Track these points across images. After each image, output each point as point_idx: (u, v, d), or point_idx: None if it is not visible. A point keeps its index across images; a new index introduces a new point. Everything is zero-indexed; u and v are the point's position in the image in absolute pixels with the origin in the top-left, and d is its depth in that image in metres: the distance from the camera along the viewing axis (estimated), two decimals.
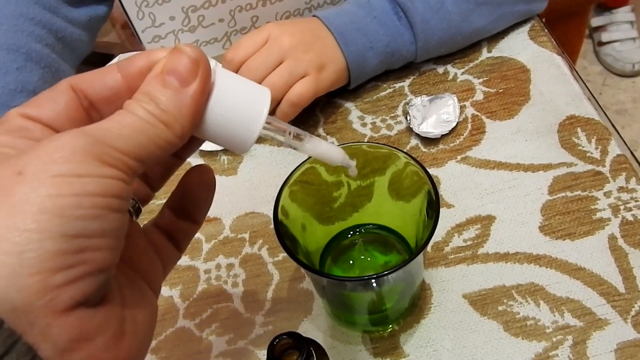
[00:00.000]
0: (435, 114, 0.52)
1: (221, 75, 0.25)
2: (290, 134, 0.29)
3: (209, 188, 0.29)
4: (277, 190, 0.37)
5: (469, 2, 0.54)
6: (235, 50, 0.52)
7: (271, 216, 0.50)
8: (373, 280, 0.35)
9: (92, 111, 0.24)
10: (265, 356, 0.33)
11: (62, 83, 0.24)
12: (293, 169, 0.38)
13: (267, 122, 0.26)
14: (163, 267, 0.28)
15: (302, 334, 0.34)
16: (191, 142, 0.26)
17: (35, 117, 0.23)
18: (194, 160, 0.56)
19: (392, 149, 0.38)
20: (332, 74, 0.53)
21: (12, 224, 0.18)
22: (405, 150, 0.38)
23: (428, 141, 0.52)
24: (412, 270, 0.37)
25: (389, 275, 0.33)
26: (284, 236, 0.36)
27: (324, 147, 0.30)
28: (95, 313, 0.20)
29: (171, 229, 0.29)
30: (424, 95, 0.54)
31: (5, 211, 0.19)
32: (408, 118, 0.53)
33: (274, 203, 0.36)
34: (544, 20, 0.60)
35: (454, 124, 0.52)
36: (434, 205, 0.35)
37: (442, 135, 0.52)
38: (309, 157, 0.39)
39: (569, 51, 1.27)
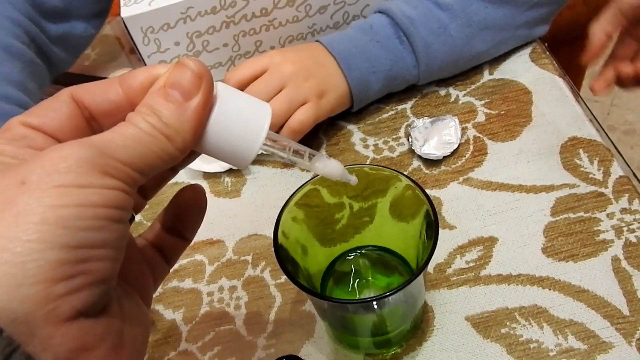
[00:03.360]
0: (437, 136, 0.53)
1: (223, 90, 0.25)
2: (290, 149, 0.29)
3: (200, 209, 0.30)
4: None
5: (471, 27, 0.54)
6: (233, 72, 0.53)
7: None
8: (374, 302, 0.35)
9: (92, 122, 0.25)
10: None
11: (63, 93, 0.24)
12: (294, 191, 0.39)
13: (267, 138, 0.26)
14: (154, 281, 0.28)
15: (304, 357, 0.34)
16: (188, 155, 0.26)
17: (38, 126, 0.23)
18: (197, 182, 0.56)
19: (392, 171, 0.39)
20: (333, 100, 0.53)
21: (14, 235, 0.19)
22: (405, 173, 0.38)
23: (430, 163, 0.52)
24: (413, 291, 0.37)
25: (390, 297, 0.33)
26: (285, 260, 0.36)
27: (324, 162, 0.30)
28: (95, 323, 0.21)
29: (161, 244, 0.29)
30: (426, 117, 0.55)
31: (8, 221, 0.19)
32: (410, 140, 0.53)
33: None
34: (546, 44, 0.61)
35: (455, 146, 0.52)
36: (433, 226, 0.35)
37: (444, 157, 0.52)
38: (309, 180, 0.40)
39: (575, 74, 1.28)
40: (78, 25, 0.60)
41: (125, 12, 0.57)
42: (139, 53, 0.61)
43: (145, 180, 0.22)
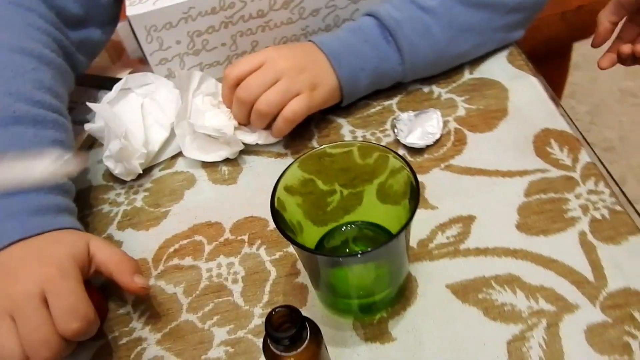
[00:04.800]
0: (420, 127, 0.57)
1: None
2: None
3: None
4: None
5: (453, 29, 0.59)
6: (232, 68, 0.57)
7: (269, 219, 0.54)
8: (360, 255, 0.39)
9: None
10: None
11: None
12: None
13: None
14: None
15: (313, 320, 0.37)
16: None
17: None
18: (196, 171, 0.60)
19: (382, 147, 0.43)
20: (324, 93, 0.58)
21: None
22: (389, 148, 0.42)
23: (414, 151, 0.57)
24: (397, 251, 0.41)
25: (377, 251, 0.37)
26: (281, 221, 0.40)
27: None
28: None
29: None
30: (411, 111, 0.59)
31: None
32: (395, 131, 0.58)
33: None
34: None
35: (437, 136, 0.56)
36: (414, 192, 0.39)
37: (427, 146, 0.56)
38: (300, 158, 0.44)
39: (554, 89, 1.33)
40: (95, 31, 0.64)
41: (130, 11, 0.61)
42: (142, 50, 0.65)
43: None
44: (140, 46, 0.64)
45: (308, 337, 0.37)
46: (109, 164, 0.58)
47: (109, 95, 0.62)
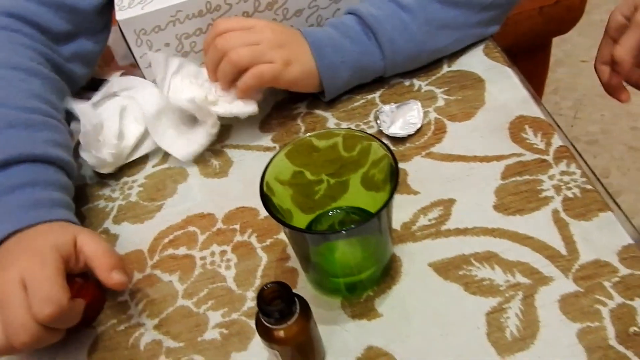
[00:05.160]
0: (402, 118, 0.60)
1: None
2: None
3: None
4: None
5: (430, 26, 0.62)
6: (223, 20, 0.60)
7: (259, 209, 0.56)
8: (345, 232, 0.41)
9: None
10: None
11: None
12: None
13: None
14: None
15: (303, 297, 0.40)
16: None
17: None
18: (188, 165, 0.62)
19: (365, 134, 0.45)
20: (297, 72, 0.59)
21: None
22: (369, 134, 0.45)
23: (397, 141, 0.59)
24: (380, 228, 0.43)
25: (359, 228, 0.39)
26: (270, 205, 0.42)
27: None
28: None
29: None
30: (393, 103, 0.62)
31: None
32: (378, 122, 0.60)
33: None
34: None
35: (418, 126, 0.59)
36: (394, 172, 0.41)
37: (409, 136, 0.59)
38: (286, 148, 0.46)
39: (534, 85, 1.36)
40: (86, 42, 0.66)
41: (120, 16, 0.63)
42: (132, 54, 0.67)
43: None
44: (130, 50, 0.67)
45: (297, 311, 0.39)
46: (84, 155, 0.60)
47: (94, 98, 0.65)
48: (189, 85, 0.62)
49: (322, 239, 0.45)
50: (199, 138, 0.61)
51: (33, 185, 0.50)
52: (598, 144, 1.77)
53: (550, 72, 1.98)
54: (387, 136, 0.59)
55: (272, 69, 0.58)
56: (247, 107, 0.61)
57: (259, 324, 0.40)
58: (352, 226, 0.40)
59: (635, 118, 1.79)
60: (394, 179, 0.41)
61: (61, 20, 0.62)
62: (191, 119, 0.62)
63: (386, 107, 0.61)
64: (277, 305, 0.38)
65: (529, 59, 1.39)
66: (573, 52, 2.02)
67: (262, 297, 0.38)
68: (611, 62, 0.53)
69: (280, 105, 0.66)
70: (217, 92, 0.61)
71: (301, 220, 0.50)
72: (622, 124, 1.78)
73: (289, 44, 0.59)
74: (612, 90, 0.56)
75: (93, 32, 0.66)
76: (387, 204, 0.40)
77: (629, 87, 0.56)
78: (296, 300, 0.39)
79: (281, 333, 0.39)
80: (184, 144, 0.62)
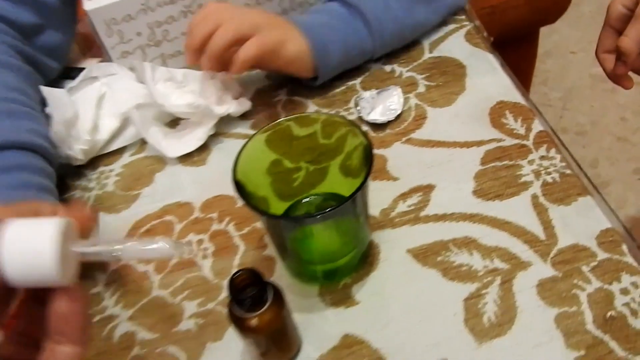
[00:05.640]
0: (382, 104, 0.59)
1: (6, 230, 0.28)
2: (108, 245, 0.31)
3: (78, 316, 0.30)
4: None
5: (409, 1, 0.62)
6: (213, 2, 0.57)
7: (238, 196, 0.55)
8: (321, 216, 0.40)
9: None
10: None
11: None
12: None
13: (79, 248, 0.29)
14: None
15: (276, 283, 0.39)
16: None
17: None
18: (174, 168, 0.61)
19: (340, 119, 0.45)
20: (294, 51, 0.57)
21: None
22: (345, 118, 0.44)
23: (376, 127, 0.58)
24: (355, 212, 0.42)
25: (333, 211, 0.39)
26: (243, 192, 0.41)
27: (146, 249, 0.32)
28: None
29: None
30: (373, 89, 0.61)
31: None
32: (358, 109, 0.59)
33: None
34: (486, 33, 0.68)
35: (399, 112, 0.58)
36: (369, 154, 0.40)
37: (389, 122, 0.58)
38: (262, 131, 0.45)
39: (522, 76, 1.36)
40: (54, 34, 0.64)
41: (88, 6, 0.62)
42: (103, 45, 0.66)
43: None
44: (100, 41, 0.65)
45: (270, 298, 0.38)
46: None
47: (72, 83, 0.63)
48: (174, 90, 0.61)
49: (297, 224, 0.44)
50: (193, 139, 0.60)
51: (21, 170, 0.50)
52: (587, 135, 1.77)
53: (540, 63, 1.98)
54: (367, 122, 0.59)
55: (275, 38, 0.56)
56: (242, 106, 0.61)
57: (231, 313, 0.39)
58: (327, 210, 0.39)
59: (624, 109, 1.79)
60: (369, 162, 0.40)
61: (28, 14, 0.61)
62: (176, 118, 0.62)
63: (367, 94, 0.60)
64: (248, 293, 0.37)
65: (516, 50, 1.38)
66: (562, 44, 2.02)
67: (234, 285, 0.37)
68: (616, 52, 0.54)
69: (261, 93, 0.66)
70: (212, 94, 0.60)
71: (278, 207, 0.49)
72: (611, 115, 1.78)
73: (281, 25, 0.58)
74: (617, 79, 0.56)
75: (61, 24, 0.65)
76: (362, 186, 0.39)
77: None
78: (268, 287, 0.39)
79: (254, 321, 0.38)
80: (175, 143, 0.61)
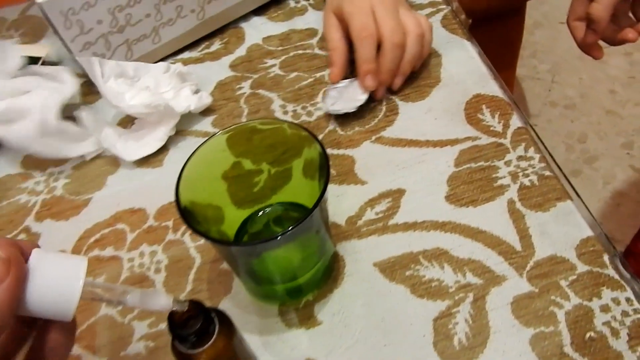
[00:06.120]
0: (348, 94, 0.54)
1: (37, 260, 0.28)
2: (115, 294, 0.31)
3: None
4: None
5: None
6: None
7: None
8: (278, 238, 0.36)
9: None
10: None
11: None
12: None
13: (91, 287, 0.30)
14: None
15: (223, 310, 0.35)
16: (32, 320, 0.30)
17: None
18: (128, 170, 0.57)
19: (281, 122, 0.40)
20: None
21: None
22: (300, 125, 0.40)
23: (345, 124, 0.54)
24: (312, 229, 0.39)
25: (287, 234, 0.35)
26: (191, 219, 0.37)
27: (149, 300, 0.32)
28: None
29: None
30: (342, 81, 0.56)
31: None
32: (325, 101, 0.55)
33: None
34: (464, 16, 0.63)
35: (362, 102, 0.53)
36: (324, 168, 0.37)
37: (355, 115, 0.54)
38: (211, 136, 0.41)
39: (510, 50, 1.31)
40: None
41: None
42: (62, 38, 0.60)
43: None
44: (57, 34, 0.60)
45: (217, 329, 0.35)
46: None
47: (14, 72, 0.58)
48: (127, 88, 0.56)
49: (250, 251, 0.40)
50: (152, 140, 0.56)
51: None
52: (576, 108, 1.73)
53: (529, 35, 1.92)
54: (335, 119, 0.54)
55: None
56: (202, 101, 0.57)
57: (175, 350, 0.35)
58: (280, 234, 0.35)
59: (614, 81, 1.75)
60: (324, 176, 0.36)
61: None
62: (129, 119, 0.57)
63: (335, 85, 0.56)
64: (192, 327, 0.34)
65: (504, 23, 1.34)
66: (551, 14, 1.97)
67: (173, 321, 0.33)
68: (587, 20, 0.51)
69: (222, 86, 0.61)
70: (168, 88, 0.56)
71: (234, 218, 0.46)
72: (600, 88, 1.74)
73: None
74: (587, 48, 0.53)
75: None
76: (317, 204, 0.35)
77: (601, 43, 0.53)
78: (214, 316, 0.35)
79: (202, 358, 0.35)
80: (133, 144, 0.56)
